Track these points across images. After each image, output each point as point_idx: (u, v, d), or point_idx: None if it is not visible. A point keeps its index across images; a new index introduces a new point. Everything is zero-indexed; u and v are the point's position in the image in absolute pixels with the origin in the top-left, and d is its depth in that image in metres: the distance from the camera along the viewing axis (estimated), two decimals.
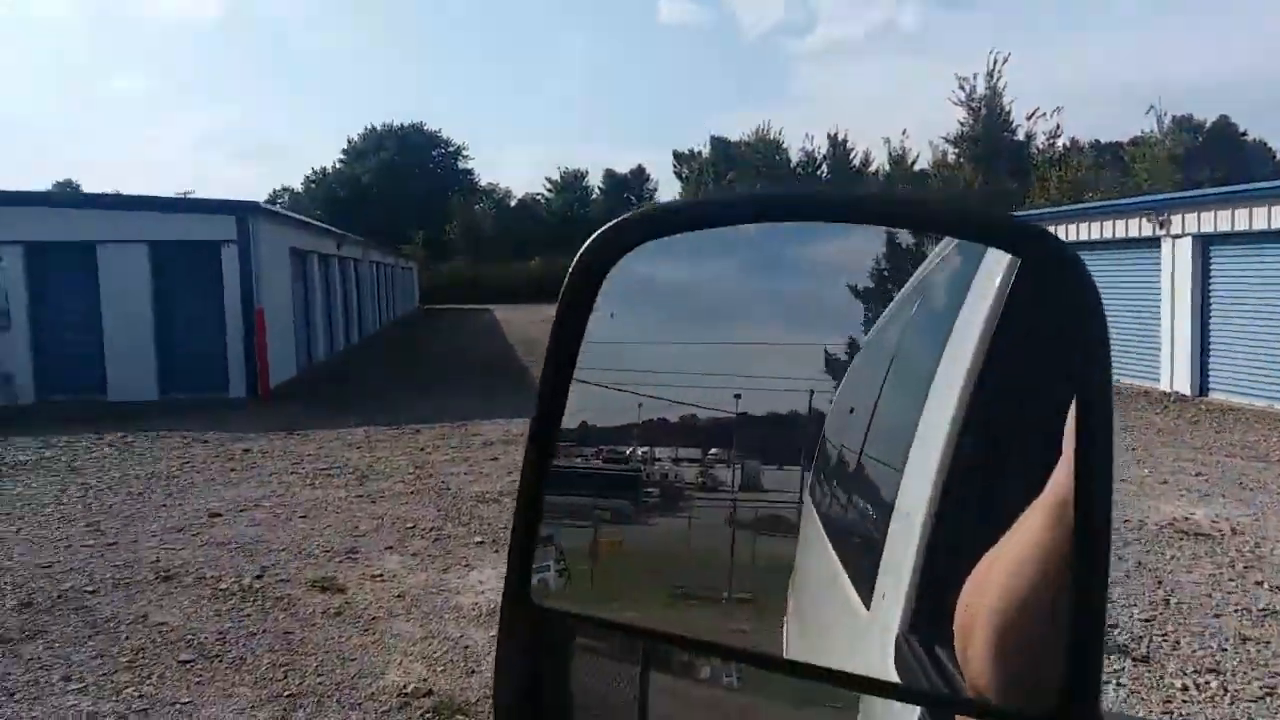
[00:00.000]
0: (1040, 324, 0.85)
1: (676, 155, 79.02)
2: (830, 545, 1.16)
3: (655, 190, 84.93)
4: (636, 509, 1.07)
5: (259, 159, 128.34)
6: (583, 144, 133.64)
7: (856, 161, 62.22)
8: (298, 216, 24.49)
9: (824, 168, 62.49)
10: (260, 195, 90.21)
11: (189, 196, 23.01)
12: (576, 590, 1.02)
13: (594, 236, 0.93)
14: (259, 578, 7.42)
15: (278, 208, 19.74)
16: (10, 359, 15.47)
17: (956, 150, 54.98)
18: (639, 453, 1.06)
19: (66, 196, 17.43)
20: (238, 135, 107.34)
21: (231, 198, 17.96)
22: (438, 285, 61.96)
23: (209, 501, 9.82)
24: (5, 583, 7.07)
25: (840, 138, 62.32)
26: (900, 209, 1.01)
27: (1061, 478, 0.69)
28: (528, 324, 38.06)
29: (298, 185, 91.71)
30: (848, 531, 1.15)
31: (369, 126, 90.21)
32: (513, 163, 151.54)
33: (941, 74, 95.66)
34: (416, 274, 56.84)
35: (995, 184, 51.23)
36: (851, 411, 1.12)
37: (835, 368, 1.02)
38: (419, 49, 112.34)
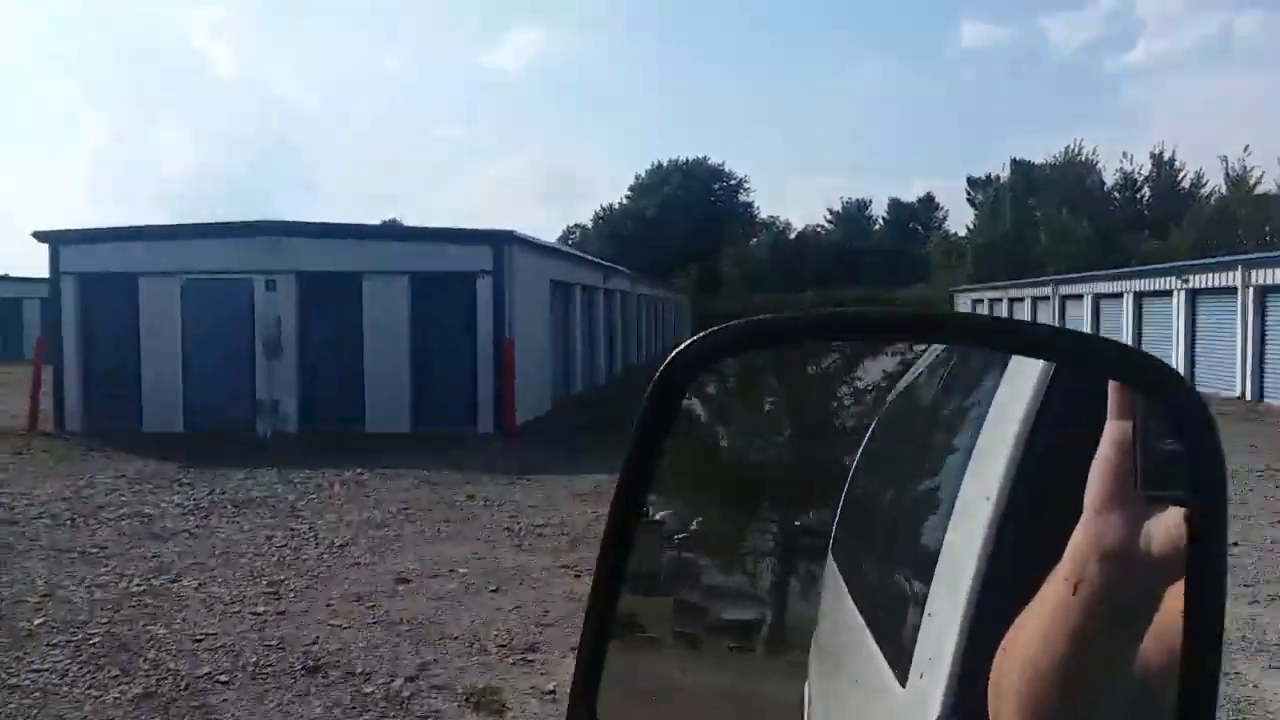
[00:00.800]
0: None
1: (970, 181, 73.42)
2: (858, 612, 1.18)
3: (945, 219, 79.49)
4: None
5: (559, 200, 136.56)
6: (871, 174, 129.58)
7: (1185, 183, 53.97)
8: (561, 247, 24.25)
9: (1145, 190, 54.83)
10: (554, 234, 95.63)
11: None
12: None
13: (681, 349, 0.94)
14: (412, 679, 6.05)
15: (539, 238, 19.13)
16: (279, 387, 15.91)
17: None
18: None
19: (335, 227, 17.69)
20: (541, 178, 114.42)
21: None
22: (710, 318, 61.47)
23: (406, 562, 8.77)
24: (144, 661, 6.20)
25: (1165, 156, 54.41)
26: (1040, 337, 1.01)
27: (1079, 540, 0.72)
28: None
29: (589, 223, 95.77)
30: (878, 602, 1.16)
31: (655, 162, 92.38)
32: (798, 196, 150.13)
33: None
34: (687, 307, 56.49)
35: None
36: (883, 482, 1.20)
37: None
38: (709, 84, 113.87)
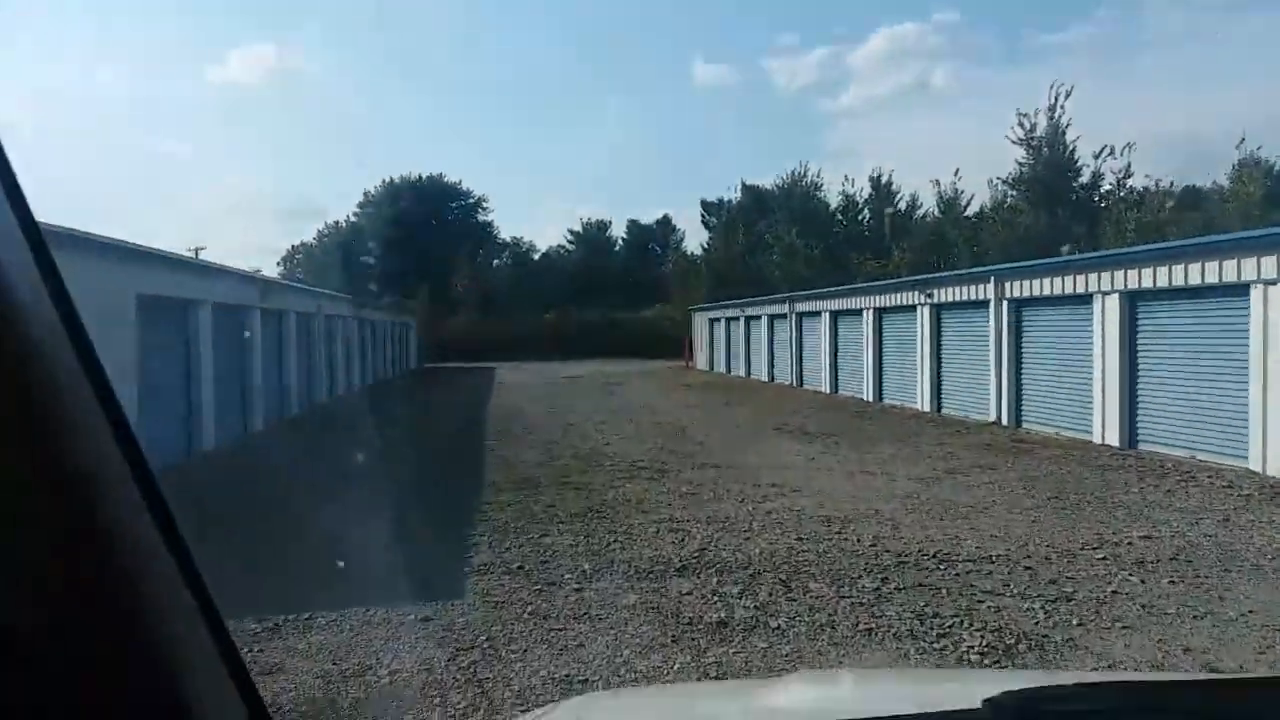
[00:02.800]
0: None
1: (705, 204, 73.23)
2: None
3: (682, 240, 78.91)
4: None
5: (293, 219, 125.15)
6: (612, 200, 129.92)
7: (902, 205, 56.10)
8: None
9: (865, 212, 56.38)
10: (279, 253, 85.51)
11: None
12: None
13: None
14: None
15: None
16: None
17: (1015, 192, 48.59)
18: None
19: None
20: (277, 198, 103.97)
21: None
22: (443, 342, 55.83)
23: None
24: None
25: (883, 180, 56.16)
26: None
27: None
28: (523, 386, 31.70)
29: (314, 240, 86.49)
30: None
31: (387, 179, 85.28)
32: (542, 218, 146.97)
33: (976, 130, 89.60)
34: (413, 331, 50.54)
35: (1059, 227, 44.64)
36: None
37: None
38: (446, 107, 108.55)
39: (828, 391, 27.39)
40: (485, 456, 14.71)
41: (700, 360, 44.18)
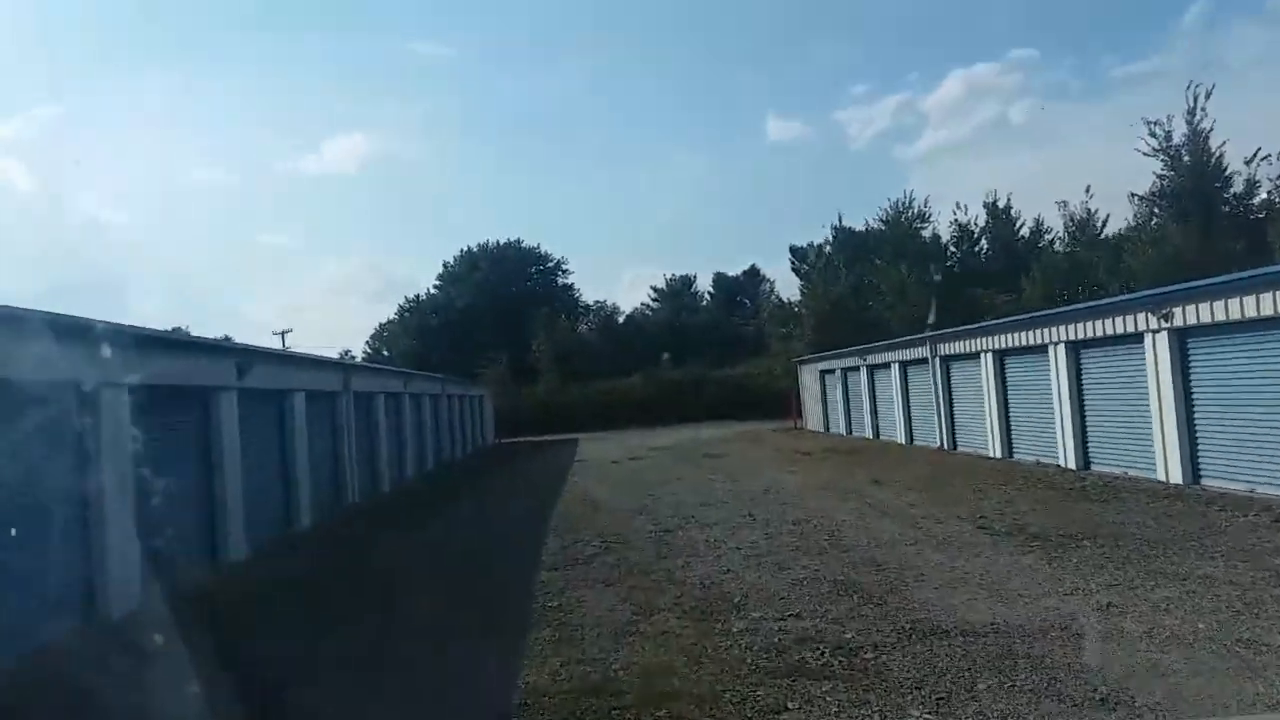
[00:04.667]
0: None
1: (794, 250, 67.03)
2: None
3: (772, 290, 72.63)
4: None
5: (383, 299, 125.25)
6: (695, 261, 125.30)
7: (1024, 231, 48.88)
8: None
9: (983, 242, 49.31)
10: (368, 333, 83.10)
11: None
12: None
13: None
14: None
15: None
16: None
17: (1156, 209, 41.18)
18: None
19: None
20: (367, 278, 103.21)
21: None
22: (521, 413, 50.56)
23: None
24: None
25: (1001, 205, 49.06)
26: None
27: None
28: (605, 465, 25.68)
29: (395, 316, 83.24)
30: None
31: (465, 248, 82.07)
32: (623, 284, 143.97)
33: (1068, 162, 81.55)
34: (486, 404, 45.35)
35: (1212, 247, 37.00)
36: None
37: None
38: (532, 181, 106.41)
39: (997, 455, 20.64)
40: (530, 617, 8.74)
41: (811, 419, 37.58)
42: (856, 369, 31.04)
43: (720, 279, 78.46)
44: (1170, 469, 14.78)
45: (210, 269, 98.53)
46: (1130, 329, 15.90)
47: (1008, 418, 20.64)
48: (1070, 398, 17.74)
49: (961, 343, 22.96)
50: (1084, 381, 17.71)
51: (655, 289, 78.47)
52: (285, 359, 19.12)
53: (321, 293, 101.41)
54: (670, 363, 57.95)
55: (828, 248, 55.80)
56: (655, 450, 29.86)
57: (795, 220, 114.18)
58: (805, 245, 65.57)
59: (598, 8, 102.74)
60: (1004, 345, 20.63)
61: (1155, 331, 15.12)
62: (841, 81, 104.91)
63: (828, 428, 35.29)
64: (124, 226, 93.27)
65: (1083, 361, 17.78)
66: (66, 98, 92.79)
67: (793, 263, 66.12)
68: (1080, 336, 17.58)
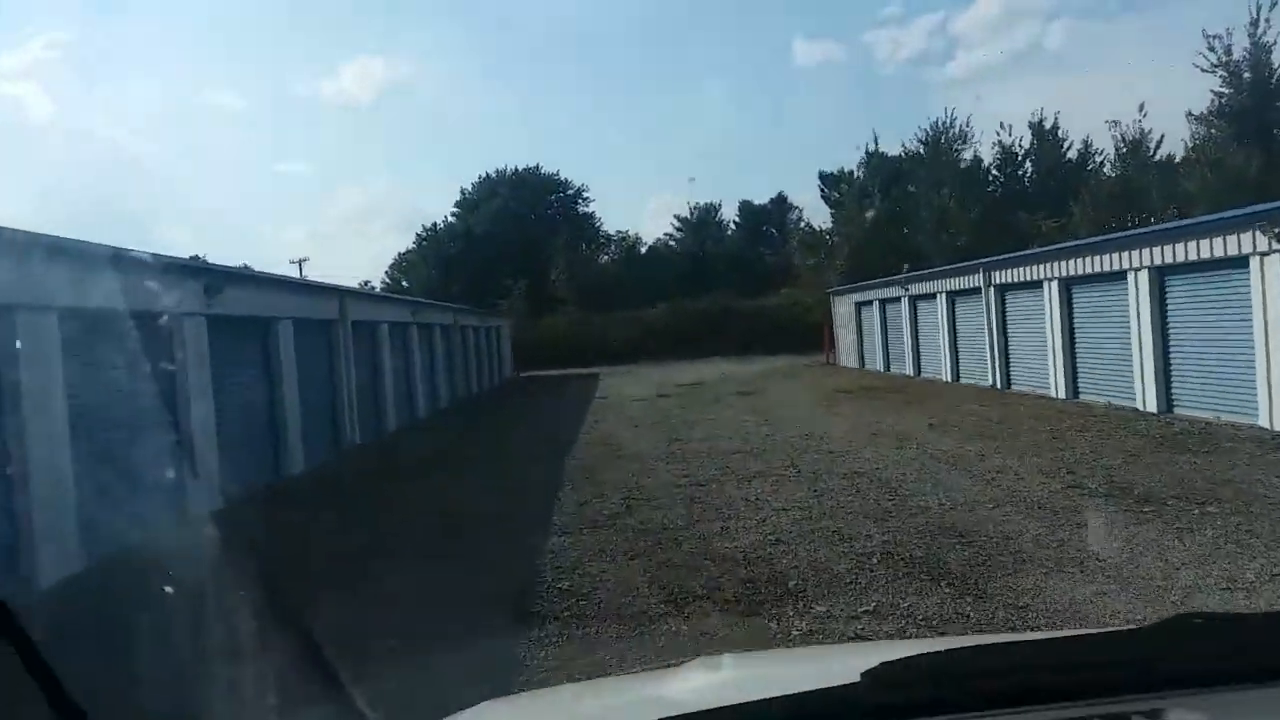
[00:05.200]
0: None
1: (823, 177, 64.08)
2: None
3: (800, 219, 69.75)
4: None
5: (404, 228, 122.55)
6: (718, 189, 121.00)
7: (1072, 154, 45.77)
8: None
9: (1027, 165, 46.27)
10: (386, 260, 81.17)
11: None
12: None
13: None
14: None
15: None
16: None
17: (1214, 129, 38.07)
18: None
19: None
20: (386, 208, 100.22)
21: None
22: (542, 345, 48.81)
23: None
24: None
25: (1048, 125, 45.85)
26: None
27: None
28: (629, 403, 23.82)
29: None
30: None
31: (483, 174, 79.40)
32: (646, 215, 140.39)
33: (1103, 86, 76.20)
34: (505, 335, 43.50)
35: (1276, 167, 34.14)
36: None
37: None
38: (541, 100, 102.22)
39: (1061, 395, 18.61)
40: (531, 602, 6.99)
41: (845, 354, 35.57)
42: (897, 300, 28.88)
43: (746, 207, 75.47)
44: (1278, 413, 12.75)
45: (231, 198, 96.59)
46: (1232, 251, 13.74)
47: (1074, 354, 18.54)
48: (1152, 331, 15.63)
49: (1021, 270, 20.74)
50: (1168, 312, 15.60)
51: (679, 218, 75.60)
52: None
53: (339, 222, 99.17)
54: (734, 294, 55.14)
55: (859, 174, 53.14)
56: (682, 387, 28.06)
57: (823, 148, 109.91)
58: (836, 172, 62.87)
59: None
60: (1072, 272, 18.42)
61: (1265, 254, 12.96)
62: (871, 1, 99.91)
63: (863, 363, 33.29)
64: (144, 154, 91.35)
65: (1168, 289, 15.63)
66: (83, 21, 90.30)
67: (822, 190, 63.29)
68: (1167, 261, 15.39)
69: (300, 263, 53.39)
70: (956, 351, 24.42)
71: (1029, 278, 20.24)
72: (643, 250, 72.29)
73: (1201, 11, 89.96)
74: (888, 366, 30.29)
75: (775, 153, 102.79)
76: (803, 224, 63.45)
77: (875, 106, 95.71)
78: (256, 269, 20.50)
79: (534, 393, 31.89)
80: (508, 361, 43.03)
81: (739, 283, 62.38)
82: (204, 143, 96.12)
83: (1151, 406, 15.58)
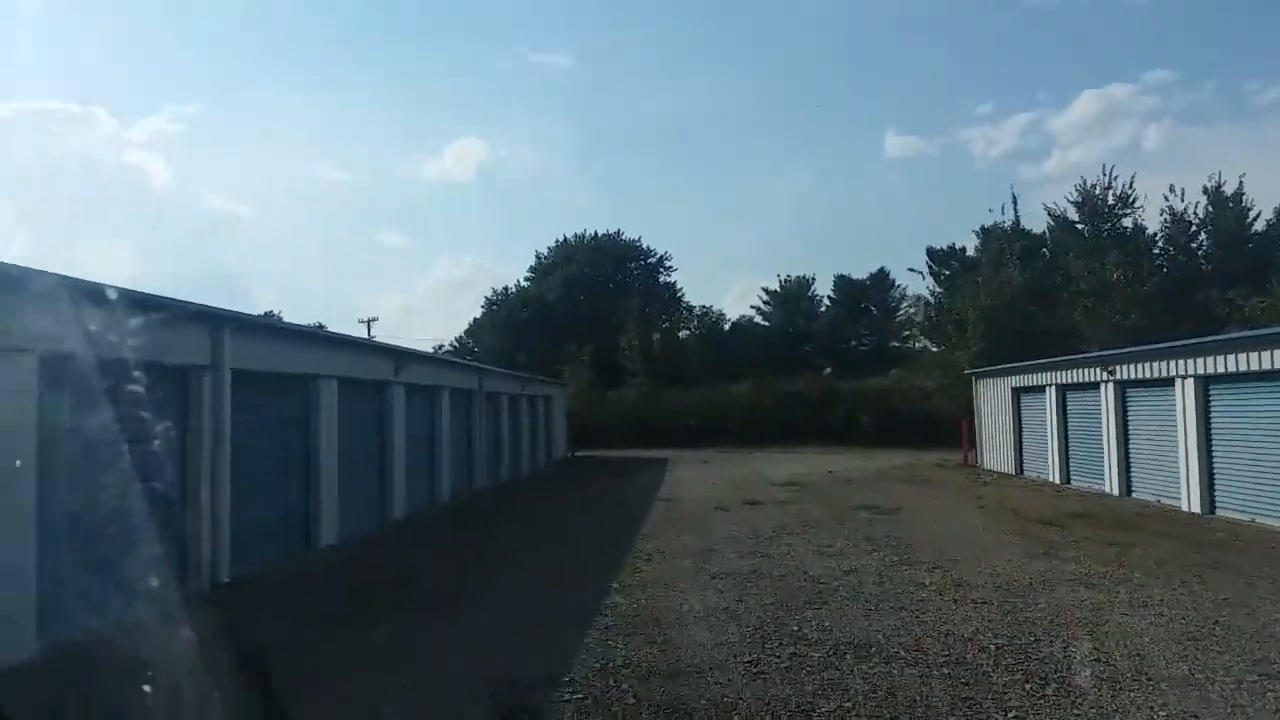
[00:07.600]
0: None
1: (931, 253, 55.68)
2: None
3: (903, 294, 61.17)
4: None
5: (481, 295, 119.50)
6: (805, 269, 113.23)
7: (1260, 224, 36.50)
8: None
9: (1201, 236, 37.16)
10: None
11: None
12: None
13: None
14: None
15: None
16: None
17: None
18: None
19: None
20: (472, 278, 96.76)
21: None
22: (605, 417, 41.10)
23: None
24: None
25: (1223, 189, 36.87)
26: None
27: None
28: (705, 515, 15.13)
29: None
30: None
31: (559, 239, 73.45)
32: (732, 295, 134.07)
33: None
34: (555, 408, 35.60)
35: None
36: None
37: None
38: (644, 189, 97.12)
39: None
40: None
41: (993, 454, 26.67)
42: (1091, 387, 20.18)
43: (842, 282, 66.96)
44: None
45: (326, 264, 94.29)
46: None
47: None
48: None
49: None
50: None
51: (767, 290, 67.67)
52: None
53: (426, 291, 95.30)
54: (831, 375, 47.14)
55: (971, 250, 45.02)
56: (780, 489, 19.81)
57: (912, 237, 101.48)
58: (945, 248, 54.58)
59: (716, 23, 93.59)
60: None
61: None
62: (966, 100, 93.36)
63: (1020, 469, 24.42)
64: (250, 221, 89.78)
65: None
66: (206, 97, 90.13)
67: (930, 265, 54.89)
68: None
69: (369, 323, 47.49)
70: (1210, 464, 15.62)
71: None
72: (725, 327, 64.50)
73: None
74: (1067, 477, 21.39)
75: (866, 238, 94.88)
76: (919, 297, 54.85)
77: (969, 198, 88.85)
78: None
79: (574, 487, 23.82)
80: (559, 438, 35.16)
81: (835, 363, 53.94)
82: (303, 210, 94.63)
83: None
